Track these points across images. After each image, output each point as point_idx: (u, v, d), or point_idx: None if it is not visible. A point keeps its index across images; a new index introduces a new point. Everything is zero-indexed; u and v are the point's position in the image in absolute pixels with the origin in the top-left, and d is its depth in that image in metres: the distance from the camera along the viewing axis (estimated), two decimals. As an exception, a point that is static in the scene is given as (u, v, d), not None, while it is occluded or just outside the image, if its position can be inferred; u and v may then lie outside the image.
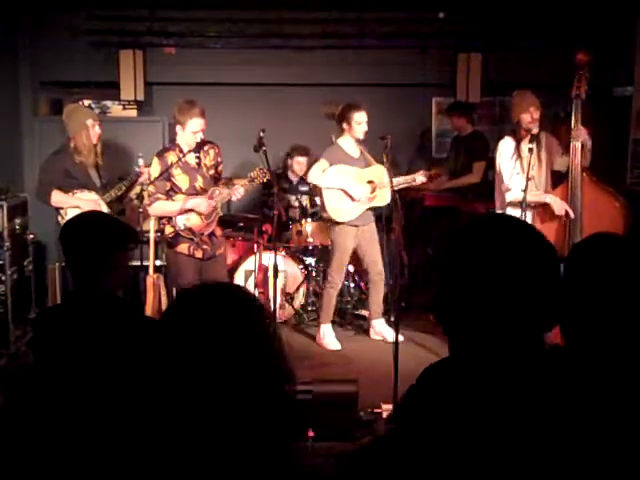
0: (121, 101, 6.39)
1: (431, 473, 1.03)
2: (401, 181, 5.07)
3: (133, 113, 6.46)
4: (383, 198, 5.08)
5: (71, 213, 4.72)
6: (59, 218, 4.79)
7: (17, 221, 5.14)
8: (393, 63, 6.49)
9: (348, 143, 5.08)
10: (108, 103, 6.44)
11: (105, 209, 4.78)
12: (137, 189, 5.04)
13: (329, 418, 3.54)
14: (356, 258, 5.38)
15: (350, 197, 5.07)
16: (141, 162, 4.82)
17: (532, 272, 1.08)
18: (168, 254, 4.56)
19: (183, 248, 4.41)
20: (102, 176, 4.93)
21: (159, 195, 4.34)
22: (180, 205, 4.34)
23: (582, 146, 4.29)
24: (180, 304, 1.25)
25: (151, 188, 4.34)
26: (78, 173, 4.83)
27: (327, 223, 5.36)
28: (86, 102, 6.40)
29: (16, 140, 6.24)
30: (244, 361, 1.15)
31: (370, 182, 5.11)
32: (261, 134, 4.35)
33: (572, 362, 1.47)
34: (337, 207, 5.14)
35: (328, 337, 5.27)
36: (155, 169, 4.34)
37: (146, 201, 4.41)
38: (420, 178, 5.18)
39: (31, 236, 5.33)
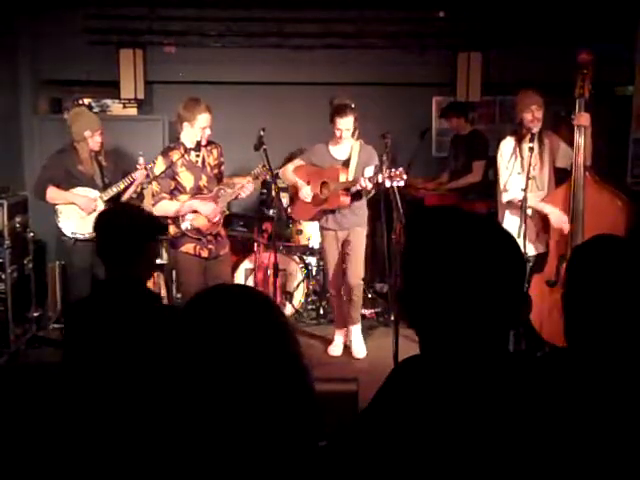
0: (121, 100, 6.39)
1: (393, 470, 1.03)
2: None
3: (133, 112, 6.47)
4: (338, 203, 4.85)
5: (66, 211, 4.73)
6: (56, 218, 4.79)
7: (17, 219, 5.14)
8: (393, 63, 6.48)
9: (336, 144, 4.93)
10: (108, 102, 6.45)
11: (101, 207, 4.79)
12: (137, 188, 5.05)
13: (329, 417, 3.53)
14: None
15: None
16: (141, 160, 4.82)
17: (493, 264, 1.08)
18: (172, 254, 4.54)
19: (189, 248, 4.38)
20: (105, 175, 4.93)
21: (164, 195, 4.32)
22: (185, 206, 4.31)
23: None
24: (195, 308, 1.23)
25: (155, 187, 4.33)
26: (79, 172, 4.83)
27: None
28: (86, 101, 6.41)
29: (16, 139, 6.23)
30: (265, 361, 1.15)
31: (324, 184, 4.93)
32: (261, 133, 4.35)
33: (573, 363, 1.48)
34: (294, 206, 5.27)
35: (334, 342, 5.21)
36: (159, 167, 4.34)
37: (150, 200, 4.41)
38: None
39: (31, 234, 5.33)
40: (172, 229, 4.39)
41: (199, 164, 4.42)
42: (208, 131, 4.36)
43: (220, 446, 1.11)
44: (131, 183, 4.89)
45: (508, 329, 1.12)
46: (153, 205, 4.38)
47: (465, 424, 1.02)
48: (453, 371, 1.07)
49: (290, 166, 5.14)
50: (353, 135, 4.89)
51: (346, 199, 4.82)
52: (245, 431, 1.12)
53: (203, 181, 4.42)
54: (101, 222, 2.47)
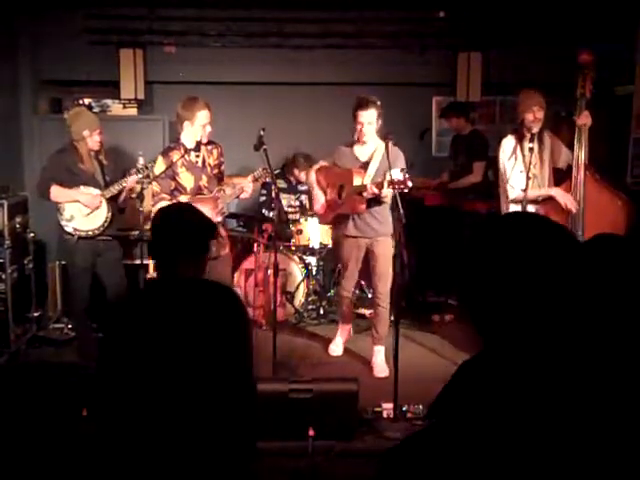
0: (121, 100, 6.39)
1: (471, 468, 1.04)
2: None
3: (133, 112, 6.46)
4: (353, 207, 4.62)
5: (69, 209, 4.73)
6: (58, 216, 4.79)
7: (17, 219, 5.14)
8: (393, 63, 6.49)
9: (361, 144, 4.66)
10: (108, 102, 6.45)
11: (105, 205, 4.79)
12: (137, 188, 5.04)
13: (329, 417, 3.55)
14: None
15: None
16: (142, 160, 4.82)
17: (561, 268, 1.11)
18: None
19: None
20: (106, 174, 4.93)
21: (164, 195, 4.32)
22: None
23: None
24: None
25: (156, 187, 4.33)
26: (80, 171, 4.84)
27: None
28: (86, 101, 6.41)
29: (16, 139, 6.23)
30: (222, 351, 1.17)
31: (341, 187, 4.69)
32: (261, 133, 4.34)
33: (574, 363, 1.48)
34: (315, 209, 5.08)
35: (334, 340, 5.17)
36: (159, 167, 4.33)
37: (150, 201, 4.41)
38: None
39: (31, 235, 5.33)
40: None
41: (199, 164, 4.41)
42: (209, 128, 4.36)
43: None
44: (124, 187, 4.89)
45: (574, 326, 1.15)
46: (153, 205, 4.38)
47: (538, 422, 1.04)
48: (523, 369, 1.10)
49: (313, 169, 5.01)
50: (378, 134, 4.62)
51: (362, 204, 4.54)
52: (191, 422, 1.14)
53: (203, 181, 4.42)
54: (163, 220, 2.34)
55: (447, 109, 6.25)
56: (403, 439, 1.14)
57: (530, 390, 1.07)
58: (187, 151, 4.35)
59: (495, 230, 1.18)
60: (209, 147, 4.47)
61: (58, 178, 4.76)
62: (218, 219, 4.42)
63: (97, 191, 4.82)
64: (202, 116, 4.31)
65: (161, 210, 2.38)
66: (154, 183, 4.34)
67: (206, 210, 4.27)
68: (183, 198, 4.34)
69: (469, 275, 1.17)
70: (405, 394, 3.87)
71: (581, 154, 4.28)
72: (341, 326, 5.20)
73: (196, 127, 4.31)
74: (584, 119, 4.25)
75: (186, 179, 4.36)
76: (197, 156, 4.42)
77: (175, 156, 4.33)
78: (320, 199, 4.91)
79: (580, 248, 1.17)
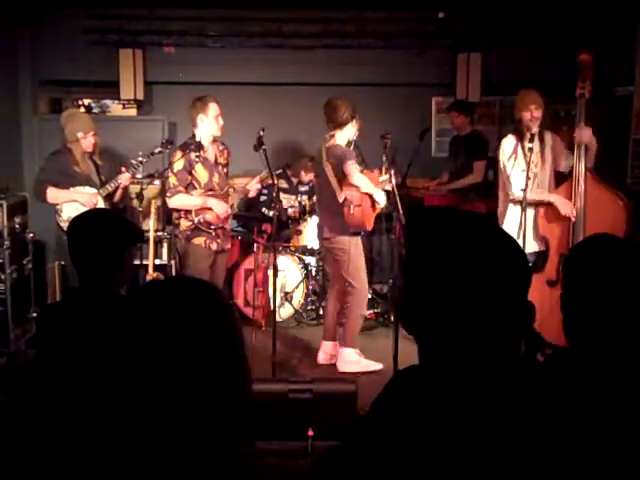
0: (121, 100, 6.39)
1: None
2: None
3: (133, 112, 6.47)
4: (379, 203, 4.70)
5: (66, 209, 4.74)
6: (57, 217, 4.79)
7: (17, 220, 5.13)
8: (393, 63, 6.49)
9: (350, 146, 4.79)
10: (108, 102, 6.46)
11: (102, 203, 4.80)
12: (136, 188, 5.04)
13: (329, 417, 3.54)
14: None
15: (373, 203, 4.63)
16: (140, 158, 4.84)
17: (501, 275, 1.04)
18: (185, 247, 4.54)
19: (200, 241, 4.46)
20: (101, 174, 4.93)
21: (181, 188, 4.40)
22: (201, 201, 4.41)
23: (587, 148, 4.29)
24: (143, 294, 1.24)
25: (174, 181, 4.39)
26: (76, 173, 4.84)
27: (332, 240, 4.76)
28: (86, 101, 6.41)
29: (16, 139, 6.23)
30: (200, 353, 1.15)
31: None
32: (261, 133, 4.36)
33: (575, 363, 1.47)
34: (366, 216, 4.66)
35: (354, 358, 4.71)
36: (179, 162, 4.39)
37: (167, 193, 4.48)
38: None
39: (31, 235, 5.32)
40: (183, 223, 4.46)
41: (213, 162, 4.49)
42: (221, 121, 4.46)
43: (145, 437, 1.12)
44: (119, 185, 4.89)
45: (513, 338, 1.08)
46: (169, 198, 4.45)
47: (465, 437, 0.99)
48: (454, 382, 1.04)
49: (359, 173, 4.60)
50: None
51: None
52: (170, 424, 1.12)
53: (216, 178, 4.52)
54: (73, 230, 2.26)
55: (454, 105, 6.23)
56: (328, 449, 1.09)
57: (460, 408, 1.01)
58: (202, 147, 4.43)
59: (431, 232, 1.12)
60: (220, 147, 4.60)
61: (54, 180, 4.77)
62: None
63: (93, 190, 4.83)
64: (214, 107, 4.42)
65: (73, 219, 2.31)
66: (172, 176, 4.40)
67: (222, 205, 4.45)
68: (197, 192, 4.43)
69: (405, 278, 1.11)
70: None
71: (581, 167, 4.28)
72: (353, 351, 4.77)
73: (210, 119, 4.41)
74: (583, 137, 4.23)
75: (201, 174, 4.45)
76: (197, 157, 4.44)
77: (191, 151, 4.41)
78: (380, 196, 4.69)
79: (522, 254, 1.09)
